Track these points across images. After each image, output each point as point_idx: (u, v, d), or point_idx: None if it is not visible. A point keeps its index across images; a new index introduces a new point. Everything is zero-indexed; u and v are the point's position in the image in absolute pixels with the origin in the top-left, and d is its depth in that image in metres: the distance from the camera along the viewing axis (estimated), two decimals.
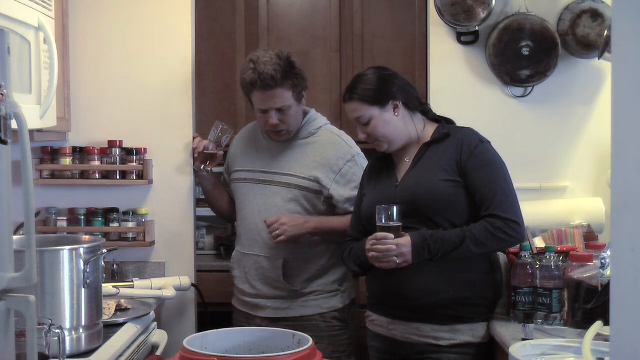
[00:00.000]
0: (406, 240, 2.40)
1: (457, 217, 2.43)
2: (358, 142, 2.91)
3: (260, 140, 3.02)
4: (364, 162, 2.90)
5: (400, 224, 2.42)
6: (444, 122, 2.60)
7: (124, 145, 3.13)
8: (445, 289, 2.43)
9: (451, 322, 2.44)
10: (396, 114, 2.53)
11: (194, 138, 3.14)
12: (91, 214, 3.13)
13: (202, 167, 3.06)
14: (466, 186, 2.44)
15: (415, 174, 2.51)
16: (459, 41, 3.23)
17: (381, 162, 2.65)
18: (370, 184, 2.64)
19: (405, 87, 2.58)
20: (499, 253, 2.68)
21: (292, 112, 2.86)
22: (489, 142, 2.54)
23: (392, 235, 2.40)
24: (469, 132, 2.54)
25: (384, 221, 2.42)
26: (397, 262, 2.40)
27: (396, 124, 2.53)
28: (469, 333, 2.46)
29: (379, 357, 2.62)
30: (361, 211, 2.61)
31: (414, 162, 2.54)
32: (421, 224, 2.44)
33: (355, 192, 2.81)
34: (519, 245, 2.64)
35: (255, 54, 2.88)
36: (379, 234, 2.42)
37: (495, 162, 2.49)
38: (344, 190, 2.87)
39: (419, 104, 2.60)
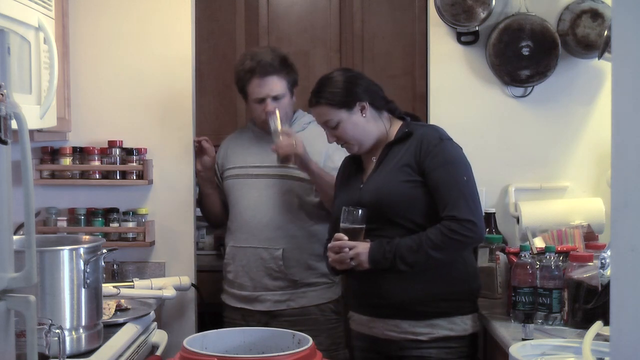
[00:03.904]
0: (364, 244, 2.41)
1: (420, 217, 2.42)
2: None
3: (251, 138, 3.09)
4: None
5: (363, 226, 2.42)
6: (409, 120, 2.59)
7: (124, 145, 3.13)
8: (420, 285, 2.43)
9: (429, 317, 2.44)
10: (363, 115, 2.52)
11: (204, 141, 3.13)
12: (91, 214, 3.13)
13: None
14: (426, 185, 2.43)
15: (377, 176, 2.51)
16: (459, 41, 3.23)
17: (352, 162, 2.66)
18: (341, 184, 2.66)
19: (370, 86, 2.57)
20: (498, 253, 2.68)
21: (285, 102, 2.96)
22: (450, 139, 2.51)
23: (345, 236, 2.41)
24: (429, 130, 2.53)
25: (346, 223, 2.43)
26: (352, 264, 2.41)
27: (364, 126, 2.53)
28: (447, 327, 2.45)
29: (362, 356, 2.62)
30: (333, 212, 2.62)
31: (377, 163, 2.54)
32: (385, 225, 2.44)
33: None
34: (519, 245, 2.64)
35: (249, 50, 3.02)
36: (336, 235, 2.44)
37: (454, 160, 2.46)
38: (333, 164, 2.89)
39: (384, 103, 2.59)
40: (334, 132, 2.54)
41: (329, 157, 2.97)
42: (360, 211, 2.41)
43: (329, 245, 2.46)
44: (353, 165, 2.64)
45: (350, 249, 2.40)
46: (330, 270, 2.60)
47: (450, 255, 2.42)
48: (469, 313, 2.50)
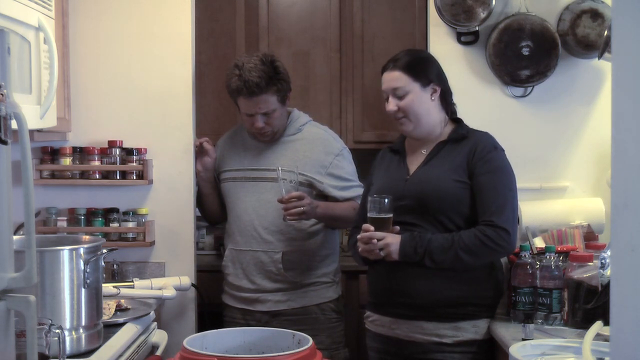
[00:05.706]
0: (394, 235, 2.42)
1: (460, 219, 2.44)
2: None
3: (246, 139, 3.09)
4: (349, 155, 3.03)
5: (390, 215, 2.43)
6: (463, 123, 2.61)
7: (124, 145, 3.13)
8: (447, 287, 2.44)
9: (454, 319, 2.45)
10: (432, 98, 2.54)
11: (205, 142, 3.13)
12: (91, 214, 3.13)
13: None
14: (471, 187, 2.45)
15: (427, 170, 2.52)
16: (459, 41, 3.23)
17: (393, 152, 2.66)
18: (380, 173, 2.65)
19: (444, 77, 2.60)
20: None
21: (276, 114, 2.94)
22: (503, 150, 2.54)
23: (372, 227, 2.41)
24: (485, 136, 2.56)
25: (374, 213, 2.44)
26: (382, 254, 2.42)
27: (429, 108, 2.54)
28: (472, 330, 2.46)
29: (379, 357, 2.61)
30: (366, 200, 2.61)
31: (427, 158, 2.55)
32: (425, 220, 2.45)
33: (345, 183, 2.93)
34: (519, 245, 2.64)
35: (240, 59, 2.95)
36: (364, 226, 2.45)
37: (504, 170, 2.49)
38: (336, 182, 2.96)
39: (450, 100, 2.61)
40: (398, 102, 2.52)
41: (330, 174, 2.97)
42: (386, 200, 2.43)
43: (359, 236, 2.47)
44: (394, 157, 2.64)
45: (380, 239, 2.41)
46: (360, 261, 2.59)
47: (478, 261, 2.43)
48: (490, 317, 2.52)
